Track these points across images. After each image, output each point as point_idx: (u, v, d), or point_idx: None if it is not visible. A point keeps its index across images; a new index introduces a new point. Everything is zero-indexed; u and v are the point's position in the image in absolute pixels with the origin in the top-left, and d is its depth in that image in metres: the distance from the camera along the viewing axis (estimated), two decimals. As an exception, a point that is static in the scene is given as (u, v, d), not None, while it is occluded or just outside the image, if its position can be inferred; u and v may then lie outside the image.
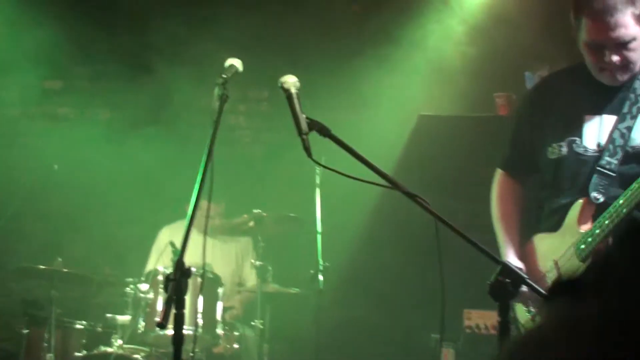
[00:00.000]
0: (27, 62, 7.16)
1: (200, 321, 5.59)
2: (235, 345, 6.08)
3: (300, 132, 3.05)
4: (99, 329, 6.05)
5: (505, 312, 2.80)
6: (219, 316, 5.82)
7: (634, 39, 3.41)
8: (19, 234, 6.76)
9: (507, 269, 2.76)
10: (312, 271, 5.82)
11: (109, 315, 6.01)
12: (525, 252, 3.79)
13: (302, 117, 3.09)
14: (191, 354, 4.53)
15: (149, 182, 6.91)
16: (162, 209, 6.93)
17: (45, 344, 5.88)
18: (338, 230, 5.79)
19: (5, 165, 6.83)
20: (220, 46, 6.33)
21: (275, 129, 7.44)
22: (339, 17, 7.25)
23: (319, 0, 7.19)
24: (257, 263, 5.98)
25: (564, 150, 3.62)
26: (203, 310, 5.64)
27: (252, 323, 6.03)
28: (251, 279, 6.51)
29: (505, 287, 2.74)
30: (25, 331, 6.10)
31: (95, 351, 5.68)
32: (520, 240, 3.82)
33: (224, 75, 3.38)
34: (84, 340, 5.95)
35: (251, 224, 6.04)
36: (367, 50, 6.78)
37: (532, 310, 3.56)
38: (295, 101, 3.13)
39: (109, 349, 5.59)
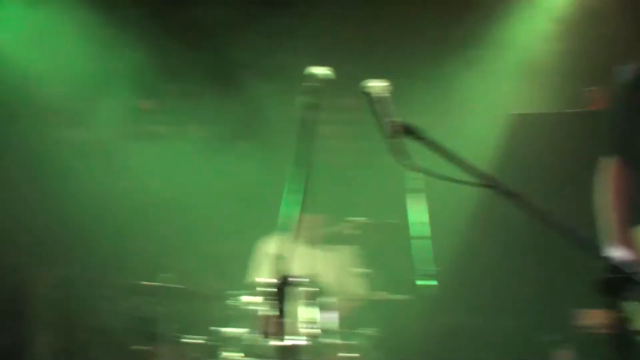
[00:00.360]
0: (120, 83, 7.29)
1: (307, 330, 5.58)
2: (346, 354, 6.06)
3: (385, 135, 2.98)
4: (208, 342, 6.06)
5: (617, 310, 2.66)
6: (326, 325, 5.80)
7: None
8: (124, 252, 6.86)
9: (618, 264, 2.63)
10: (419, 276, 5.76)
11: (215, 328, 6.06)
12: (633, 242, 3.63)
13: (386, 121, 3.00)
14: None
15: (245, 195, 6.97)
16: (259, 221, 6.95)
17: (156, 360, 6.00)
18: (438, 235, 5.71)
19: (106, 185, 6.91)
20: (308, 57, 6.32)
21: (372, 137, 7.39)
22: (427, 23, 7.18)
23: (405, 7, 7.11)
24: (361, 271, 5.97)
25: None
26: (310, 319, 5.64)
27: (361, 331, 6.00)
28: (356, 286, 6.49)
29: (616, 284, 2.61)
30: (138, 347, 6.20)
31: (205, 364, 5.74)
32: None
33: (312, 84, 3.33)
34: (194, 354, 6.00)
35: (351, 232, 6.01)
36: (457, 53, 6.74)
37: None
38: (380, 106, 3.05)
39: (218, 363, 5.66)
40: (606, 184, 3.83)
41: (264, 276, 6.11)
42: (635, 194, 3.78)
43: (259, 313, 5.68)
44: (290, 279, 3.05)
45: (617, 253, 3.48)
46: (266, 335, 2.93)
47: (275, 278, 3.07)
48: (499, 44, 6.68)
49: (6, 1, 6.72)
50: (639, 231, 3.65)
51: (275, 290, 3.00)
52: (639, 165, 3.79)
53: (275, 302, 3.00)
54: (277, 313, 2.99)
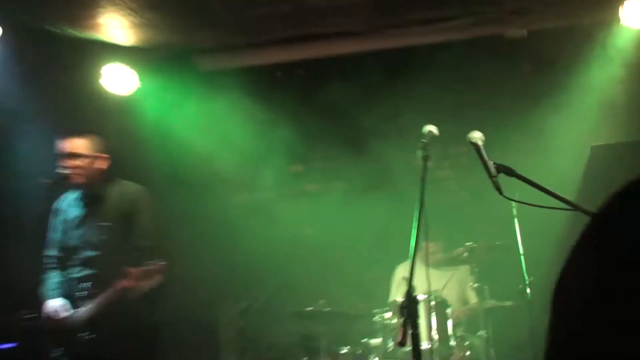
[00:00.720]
0: (276, 154, 7.52)
1: (435, 337, 5.59)
2: (467, 353, 6.02)
3: (490, 175, 3.06)
4: (359, 352, 6.15)
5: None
6: (450, 331, 5.80)
7: None
8: (290, 285, 6.99)
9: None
10: (520, 286, 5.72)
11: (364, 340, 6.13)
12: None
13: (490, 163, 3.10)
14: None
15: (379, 233, 7.03)
16: (395, 252, 7.01)
17: (321, 368, 6.06)
18: (537, 250, 5.66)
19: (268, 237, 7.08)
20: (420, 117, 6.41)
21: (475, 176, 7.37)
22: (514, 77, 7.14)
23: (497, 70, 7.07)
24: (475, 285, 5.94)
25: None
26: (437, 327, 5.65)
27: (478, 334, 5.97)
28: (472, 297, 6.46)
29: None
30: (305, 359, 6.31)
31: (359, 368, 5.77)
32: None
33: (424, 140, 3.41)
34: (348, 361, 6.08)
35: (466, 254, 6.02)
36: (543, 100, 6.67)
37: None
38: (482, 151, 3.14)
39: (369, 367, 5.68)
40: None
41: (401, 296, 6.16)
42: None
43: (398, 325, 5.75)
44: (414, 297, 3.05)
45: None
46: (401, 344, 2.94)
47: (405, 298, 3.09)
48: (578, 88, 6.56)
49: (187, 98, 7.04)
50: None
51: (405, 307, 3.01)
52: None
53: (406, 317, 3.01)
54: (408, 325, 3.01)
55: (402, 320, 3.03)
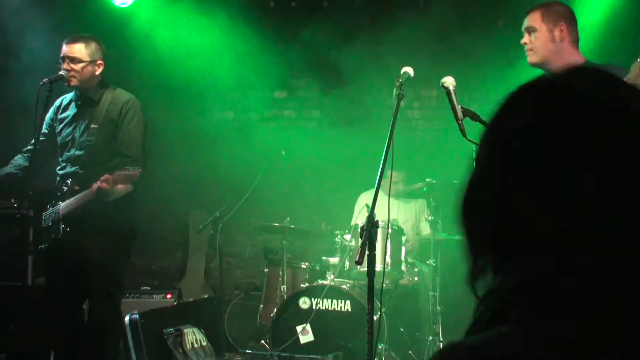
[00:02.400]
0: (263, 80, 7.49)
1: (389, 260, 5.71)
2: (416, 278, 6.18)
3: (456, 118, 3.09)
4: (317, 268, 6.25)
5: None
6: (402, 257, 5.92)
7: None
8: (260, 200, 7.05)
9: None
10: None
11: (324, 257, 6.24)
12: None
13: (458, 108, 3.13)
14: (383, 285, 4.62)
15: (350, 163, 7.05)
16: (361, 180, 7.08)
17: (280, 279, 6.14)
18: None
19: (249, 155, 7.08)
20: (399, 58, 6.40)
21: (442, 118, 7.43)
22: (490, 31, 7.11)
23: (474, 23, 7.03)
24: (430, 217, 6.03)
25: None
26: (391, 252, 5.77)
27: (427, 262, 6.09)
28: (426, 229, 6.57)
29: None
30: (266, 270, 6.40)
31: (315, 283, 5.85)
32: None
33: (400, 80, 3.43)
34: (307, 276, 6.16)
35: (425, 189, 6.10)
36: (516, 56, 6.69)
37: None
38: (453, 96, 3.17)
39: (325, 282, 5.76)
40: None
41: (361, 221, 6.26)
42: None
43: (356, 247, 5.85)
44: (375, 221, 3.10)
45: None
46: (357, 263, 3.00)
47: (366, 221, 3.14)
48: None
49: (182, 16, 6.98)
50: None
51: (366, 230, 3.06)
52: None
53: (365, 238, 3.07)
54: (365, 246, 3.07)
55: (361, 242, 3.10)
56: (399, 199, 6.61)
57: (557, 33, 3.69)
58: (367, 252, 3.01)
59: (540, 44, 3.68)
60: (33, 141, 4.59)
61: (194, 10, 6.94)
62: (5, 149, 5.33)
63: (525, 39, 3.74)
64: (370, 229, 3.01)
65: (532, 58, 3.74)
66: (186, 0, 6.95)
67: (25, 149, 4.75)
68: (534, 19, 3.72)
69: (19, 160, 4.69)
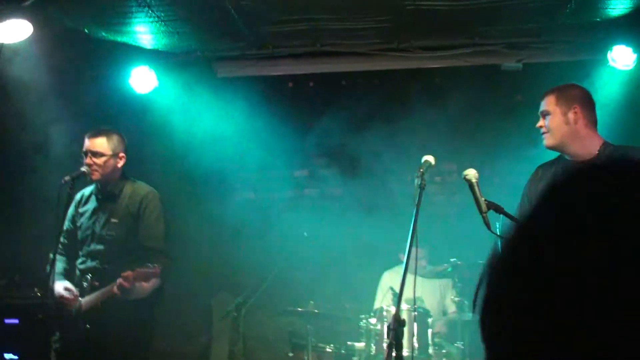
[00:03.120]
0: (282, 160, 7.47)
1: (416, 344, 5.56)
2: (441, 362, 6.00)
3: (480, 211, 3.01)
4: (343, 352, 6.09)
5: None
6: (430, 340, 5.76)
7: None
8: (283, 285, 6.95)
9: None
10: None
11: (349, 342, 6.09)
12: None
13: (482, 200, 3.05)
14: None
15: (372, 244, 6.95)
16: (383, 261, 6.98)
17: (305, 364, 5.99)
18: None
19: (272, 235, 7.03)
20: (417, 138, 6.39)
21: (464, 192, 7.33)
22: (507, 106, 7.09)
23: (491, 98, 7.02)
24: (457, 299, 5.89)
25: None
26: (417, 336, 5.61)
27: (455, 344, 5.92)
28: (452, 307, 6.42)
29: None
30: (291, 354, 6.27)
31: (341, 370, 5.69)
32: None
33: (421, 169, 3.37)
34: (332, 360, 6.03)
35: (450, 269, 5.96)
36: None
37: None
38: (476, 188, 3.10)
39: (352, 369, 5.60)
40: None
41: (386, 304, 6.13)
42: None
43: (381, 331, 5.71)
44: (402, 320, 2.95)
45: None
46: None
47: (392, 321, 2.98)
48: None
49: (202, 101, 7.00)
50: None
51: (392, 329, 2.93)
52: None
53: (391, 340, 2.93)
54: (392, 348, 2.92)
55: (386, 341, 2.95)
56: (423, 278, 6.47)
57: (571, 116, 3.65)
58: (394, 354, 2.88)
59: (554, 126, 3.67)
60: (62, 238, 4.57)
61: (212, 94, 6.98)
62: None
63: (541, 122, 3.74)
64: (396, 328, 2.88)
65: (548, 141, 3.73)
66: (204, 85, 7.00)
67: (58, 247, 4.67)
68: (548, 103, 3.71)
69: (61, 264, 4.62)
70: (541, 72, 6.61)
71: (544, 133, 3.73)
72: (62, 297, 4.37)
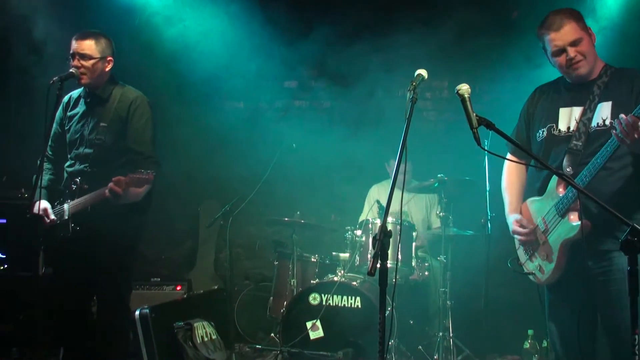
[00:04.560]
0: (274, 70, 7.40)
1: (399, 257, 5.68)
2: (426, 273, 6.13)
3: (471, 126, 3.00)
4: (327, 262, 6.22)
5: (634, 263, 2.68)
6: (413, 252, 5.88)
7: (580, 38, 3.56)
8: (270, 194, 7.01)
9: (635, 230, 2.65)
10: (482, 220, 5.79)
11: (334, 252, 6.21)
12: (522, 211, 3.85)
13: (473, 115, 3.02)
14: (394, 280, 4.58)
15: (360, 157, 6.98)
16: (371, 174, 7.03)
17: (290, 272, 6.11)
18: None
19: (260, 144, 7.05)
20: (409, 54, 6.33)
21: (454, 110, 7.34)
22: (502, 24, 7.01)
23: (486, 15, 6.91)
24: (441, 214, 5.97)
25: (545, 133, 3.69)
26: (402, 248, 5.72)
27: (438, 258, 6.04)
28: (436, 222, 6.53)
29: (633, 244, 2.64)
30: (276, 262, 6.39)
31: (325, 279, 5.80)
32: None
33: (414, 83, 3.33)
34: (317, 270, 6.14)
35: (436, 185, 6.02)
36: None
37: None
38: (467, 103, 3.06)
39: (335, 278, 5.71)
40: (503, 172, 4.07)
41: (372, 216, 6.22)
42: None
43: (366, 243, 5.81)
44: (388, 231, 2.98)
45: (511, 217, 3.85)
46: (370, 274, 2.86)
47: (379, 231, 3.01)
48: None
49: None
50: (526, 205, 3.84)
51: (378, 239, 2.95)
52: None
53: (377, 250, 2.96)
54: (377, 258, 2.95)
55: (372, 253, 2.98)
56: (409, 193, 6.54)
57: (593, 37, 3.61)
58: (378, 264, 2.92)
59: (588, 51, 3.56)
60: (50, 141, 4.54)
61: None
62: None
63: (571, 52, 3.54)
64: (382, 239, 2.91)
65: (584, 69, 3.58)
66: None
67: (46, 151, 4.63)
68: (574, 30, 3.54)
69: (47, 172, 4.59)
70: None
71: (579, 61, 3.55)
72: (41, 215, 4.38)
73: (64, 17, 6.07)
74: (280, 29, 7.04)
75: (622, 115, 3.15)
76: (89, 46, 4.41)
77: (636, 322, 2.64)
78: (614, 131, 3.22)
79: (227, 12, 6.78)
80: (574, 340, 3.51)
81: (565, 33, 3.55)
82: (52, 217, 4.38)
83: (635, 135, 3.13)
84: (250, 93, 7.73)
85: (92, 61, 4.41)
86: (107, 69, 4.51)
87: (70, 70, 4.36)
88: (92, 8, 6.35)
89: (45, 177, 4.51)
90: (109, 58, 4.51)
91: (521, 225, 3.76)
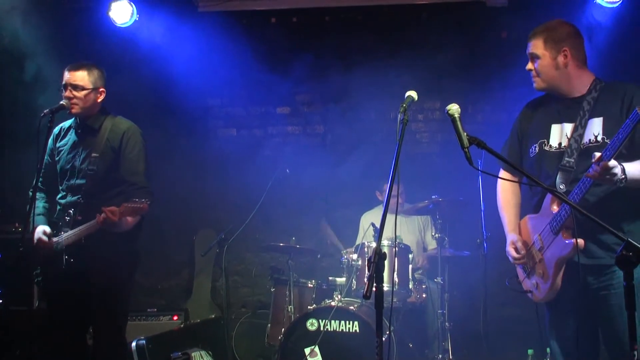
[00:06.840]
0: (265, 96, 7.42)
1: (396, 279, 5.64)
2: (424, 295, 6.10)
3: (462, 146, 3.00)
4: (324, 287, 6.18)
5: (630, 278, 2.67)
6: (410, 275, 5.85)
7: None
8: (265, 220, 6.99)
9: (630, 245, 2.65)
10: (478, 240, 5.77)
11: (330, 277, 6.17)
12: (521, 228, 3.85)
13: (464, 135, 3.02)
14: (391, 303, 4.55)
15: (354, 180, 6.98)
16: (365, 198, 7.02)
17: (287, 298, 6.06)
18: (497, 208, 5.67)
19: (254, 171, 7.03)
20: (402, 75, 6.36)
21: (447, 131, 7.36)
22: (492, 43, 7.06)
23: (475, 34, 6.97)
24: (437, 235, 5.95)
25: (537, 149, 3.69)
26: (398, 271, 5.69)
27: (435, 279, 6.02)
28: (432, 244, 6.50)
29: (628, 258, 2.63)
30: (273, 289, 6.34)
31: (322, 304, 5.76)
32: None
33: (404, 105, 3.34)
34: (314, 295, 6.09)
35: (431, 206, 6.01)
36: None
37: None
38: (458, 123, 3.07)
39: (332, 303, 5.67)
40: (497, 189, 4.04)
41: (367, 240, 6.19)
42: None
43: (362, 267, 5.78)
44: (383, 253, 2.97)
45: (511, 236, 3.82)
46: (365, 297, 2.84)
47: (373, 254, 3.00)
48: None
49: (184, 35, 6.87)
50: (524, 222, 3.84)
51: (373, 262, 2.94)
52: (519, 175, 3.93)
53: (372, 273, 2.94)
54: (372, 281, 2.93)
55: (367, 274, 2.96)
56: (401, 215, 6.52)
57: (560, 59, 3.59)
58: (374, 287, 2.91)
59: (544, 70, 3.62)
60: (42, 172, 4.54)
61: (193, 29, 6.87)
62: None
63: (529, 65, 3.67)
64: (377, 262, 2.89)
65: (538, 84, 3.68)
66: (185, 19, 6.88)
67: (38, 181, 4.62)
68: (536, 46, 3.62)
69: (41, 201, 4.58)
70: (527, 9, 6.57)
71: (534, 77, 3.66)
72: (40, 240, 4.36)
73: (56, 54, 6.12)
74: (271, 56, 7.07)
75: (596, 158, 3.17)
76: (81, 77, 4.44)
77: (634, 338, 2.63)
78: (589, 171, 3.25)
79: (217, 40, 6.80)
80: (577, 357, 3.49)
81: (531, 45, 3.66)
82: (54, 239, 4.36)
83: (607, 177, 3.20)
84: (243, 120, 7.74)
85: (84, 92, 4.43)
86: (99, 100, 4.53)
87: (61, 102, 4.38)
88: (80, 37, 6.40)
89: (40, 205, 4.51)
90: (101, 89, 4.53)
91: (515, 249, 3.76)
